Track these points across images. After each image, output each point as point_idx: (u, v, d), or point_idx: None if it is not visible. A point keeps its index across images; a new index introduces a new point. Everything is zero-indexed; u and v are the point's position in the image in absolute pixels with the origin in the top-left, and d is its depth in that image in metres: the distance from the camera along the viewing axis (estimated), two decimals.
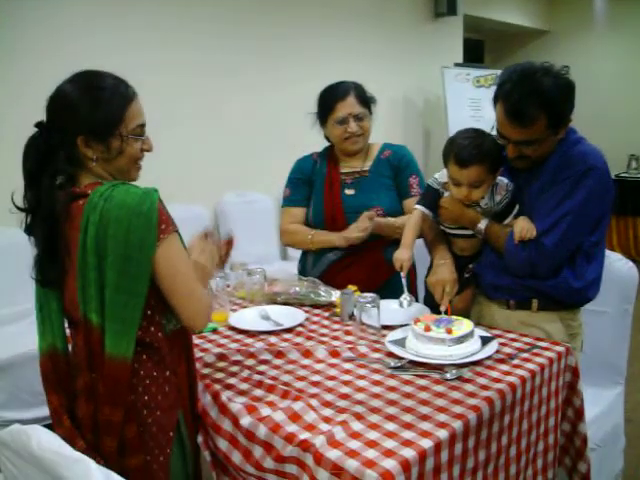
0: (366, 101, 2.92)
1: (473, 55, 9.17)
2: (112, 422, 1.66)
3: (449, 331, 2.07)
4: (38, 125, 1.73)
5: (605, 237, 2.40)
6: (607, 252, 2.48)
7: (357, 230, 2.78)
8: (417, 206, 2.55)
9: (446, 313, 2.30)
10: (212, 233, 1.98)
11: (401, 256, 2.43)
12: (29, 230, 1.74)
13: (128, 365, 1.65)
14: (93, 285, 1.63)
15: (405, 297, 2.42)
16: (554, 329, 2.36)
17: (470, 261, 2.52)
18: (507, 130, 2.25)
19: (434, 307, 2.44)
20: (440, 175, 2.52)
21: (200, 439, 1.90)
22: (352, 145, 2.92)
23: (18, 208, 1.71)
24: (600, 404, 2.80)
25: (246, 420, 1.77)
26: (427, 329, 2.10)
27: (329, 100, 2.90)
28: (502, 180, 2.42)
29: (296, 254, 3.23)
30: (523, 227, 2.25)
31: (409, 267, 2.44)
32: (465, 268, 2.51)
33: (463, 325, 2.13)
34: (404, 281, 2.41)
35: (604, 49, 8.96)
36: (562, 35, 9.51)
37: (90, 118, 1.68)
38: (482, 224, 2.40)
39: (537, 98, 2.15)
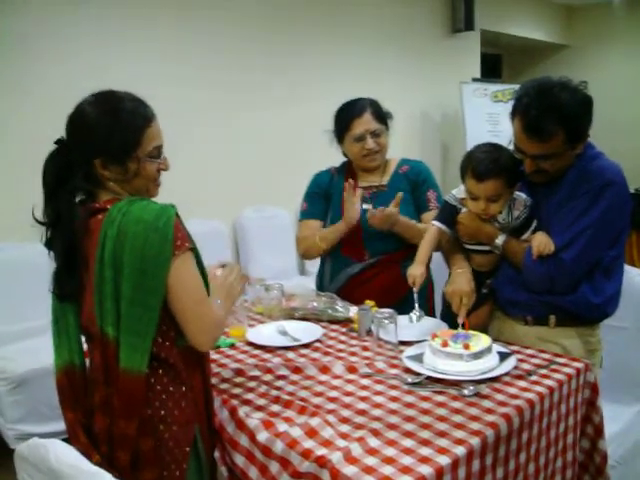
0: (382, 117, 2.93)
1: (491, 70, 9.18)
2: (127, 435, 1.67)
3: (466, 347, 2.07)
4: (58, 142, 1.76)
5: (624, 252, 2.39)
6: (626, 267, 2.46)
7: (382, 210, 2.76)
8: (434, 222, 2.55)
9: (463, 327, 2.29)
10: (229, 264, 2.00)
11: (414, 272, 2.43)
12: (49, 244, 1.76)
13: (142, 379, 1.66)
14: (109, 298, 1.65)
15: (415, 312, 2.41)
16: (572, 345, 2.35)
17: (488, 277, 2.52)
18: (525, 145, 2.25)
19: (452, 320, 2.42)
20: (457, 191, 2.52)
21: (217, 454, 1.91)
22: (370, 162, 2.94)
23: (38, 222, 1.74)
24: (620, 421, 2.77)
25: (263, 435, 1.78)
26: (444, 344, 2.10)
27: (345, 118, 2.92)
28: (520, 195, 2.41)
29: (314, 269, 3.24)
30: (541, 242, 2.25)
31: (422, 283, 2.44)
32: (483, 284, 2.50)
33: (481, 340, 2.13)
34: (415, 296, 2.41)
35: (623, 63, 8.93)
36: (581, 49, 9.50)
37: (108, 141, 1.70)
38: (500, 239, 2.40)
39: (555, 113, 2.15)
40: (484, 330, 2.41)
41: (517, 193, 2.41)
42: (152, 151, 1.77)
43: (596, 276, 2.28)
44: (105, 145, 1.70)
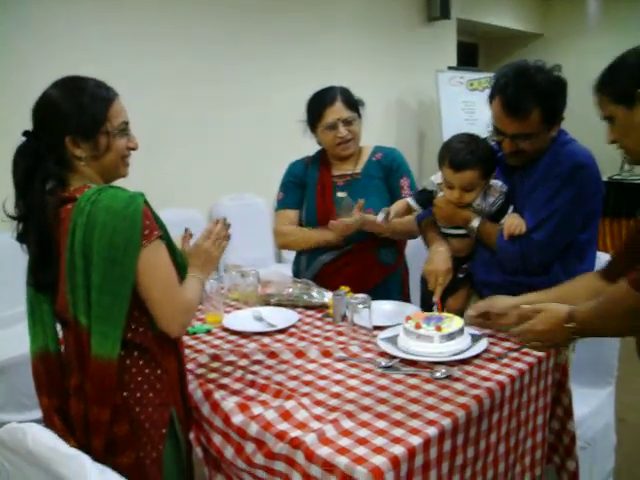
0: (354, 105, 2.95)
1: (467, 58, 9.19)
2: (100, 421, 1.69)
3: (438, 328, 2.11)
4: (25, 134, 1.78)
5: (597, 236, 2.45)
6: (598, 253, 2.51)
7: (346, 222, 2.79)
8: (408, 199, 2.62)
9: (438, 309, 2.33)
10: (208, 228, 2.04)
11: (439, 267, 2.47)
12: (21, 238, 1.79)
13: (114, 366, 1.68)
14: (81, 287, 1.67)
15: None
16: None
17: (464, 261, 2.56)
18: (503, 124, 2.31)
19: (431, 305, 2.45)
20: (435, 177, 2.58)
21: (192, 435, 1.93)
22: (344, 151, 2.96)
23: (10, 216, 1.76)
24: (591, 404, 2.82)
25: (238, 418, 1.80)
26: (417, 326, 2.14)
27: (317, 107, 2.94)
28: (496, 182, 2.46)
29: (290, 257, 3.26)
30: (512, 223, 2.31)
31: (445, 284, 2.46)
32: (459, 268, 2.55)
33: (453, 322, 2.16)
34: (435, 307, 2.41)
35: (597, 49, 8.88)
36: (555, 38, 9.54)
37: (76, 116, 1.73)
38: (475, 222, 2.45)
39: (531, 91, 2.23)
40: (461, 314, 2.44)
41: (492, 180, 2.45)
42: (120, 125, 1.81)
43: (568, 258, 2.34)
44: (74, 120, 1.73)
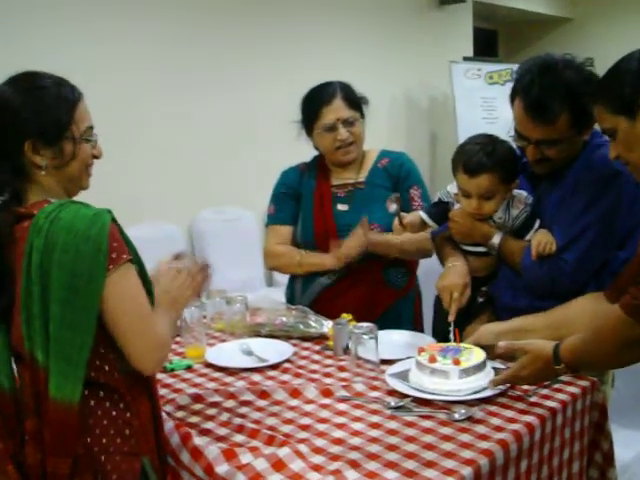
0: (356, 103, 2.95)
1: (485, 48, 9.25)
2: (59, 474, 1.67)
3: (457, 362, 2.10)
4: None
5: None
6: None
7: (349, 247, 2.80)
8: (420, 213, 2.60)
9: (455, 339, 2.32)
10: (185, 256, 2.01)
11: (455, 281, 2.46)
12: None
13: (75, 411, 1.67)
14: (38, 318, 1.65)
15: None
16: None
17: (484, 283, 2.56)
18: (527, 128, 2.30)
19: (445, 332, 2.43)
20: (451, 187, 2.58)
21: None
22: (344, 156, 2.95)
23: None
24: (634, 447, 2.82)
25: (222, 468, 1.78)
26: (432, 360, 2.13)
27: (313, 105, 2.94)
28: (520, 193, 2.46)
29: (284, 279, 3.26)
30: (541, 241, 2.30)
31: (461, 304, 2.45)
32: (478, 291, 2.54)
33: (473, 355, 2.16)
34: (451, 335, 2.38)
35: (632, 37, 9.00)
36: (586, 23, 9.59)
37: (37, 120, 1.73)
38: (496, 239, 2.44)
39: (559, 92, 2.21)
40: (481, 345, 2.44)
41: (516, 190, 2.45)
42: (86, 131, 1.81)
43: (604, 280, 2.31)
44: (34, 124, 1.72)
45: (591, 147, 2.35)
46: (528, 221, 2.44)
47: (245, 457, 1.80)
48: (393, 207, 2.55)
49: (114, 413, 1.77)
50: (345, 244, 2.82)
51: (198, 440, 1.91)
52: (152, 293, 1.83)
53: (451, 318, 2.38)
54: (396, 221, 2.55)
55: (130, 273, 1.73)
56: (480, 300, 2.54)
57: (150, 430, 1.85)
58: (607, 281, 2.31)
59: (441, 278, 2.51)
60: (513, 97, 2.33)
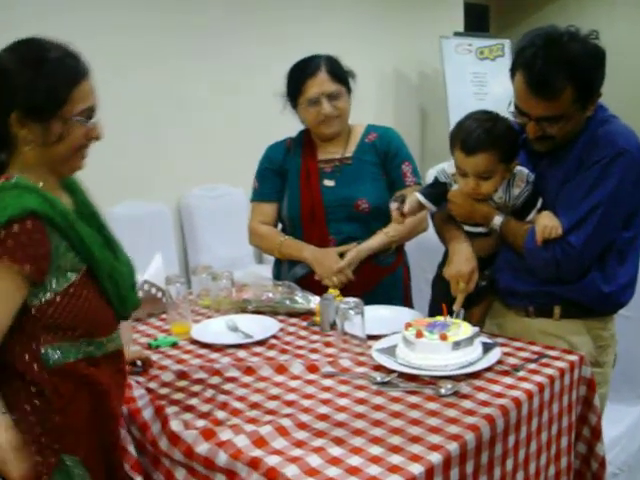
0: (341, 76, 2.92)
1: (476, 22, 9.21)
2: None
3: (444, 337, 2.09)
4: None
5: None
6: None
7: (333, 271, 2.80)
8: (417, 194, 2.55)
9: (451, 314, 2.29)
10: None
11: (457, 270, 2.43)
12: None
13: None
14: None
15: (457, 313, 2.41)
16: (580, 341, 2.35)
17: (486, 265, 2.50)
18: (528, 104, 2.24)
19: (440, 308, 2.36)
20: (449, 166, 2.51)
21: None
22: (327, 129, 2.92)
23: None
24: (623, 423, 2.83)
25: (203, 447, 1.78)
26: (419, 335, 2.12)
27: (298, 78, 2.91)
28: (521, 170, 2.41)
29: (272, 257, 3.23)
30: (546, 225, 2.24)
31: (468, 292, 2.44)
32: (481, 274, 2.48)
33: (461, 330, 2.15)
34: (461, 315, 2.38)
35: (634, 11, 8.94)
36: None
37: (28, 90, 1.66)
38: (497, 220, 2.39)
39: (564, 66, 2.14)
40: (481, 326, 2.42)
41: (517, 167, 2.41)
42: (83, 112, 1.74)
43: (608, 261, 2.29)
44: (25, 95, 1.66)
45: (595, 122, 2.29)
46: (530, 200, 2.38)
47: (225, 434, 1.80)
48: (395, 205, 2.52)
49: (27, 407, 1.73)
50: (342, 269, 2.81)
51: (175, 425, 1.89)
52: (110, 294, 1.81)
53: (457, 308, 2.36)
54: (396, 213, 2.51)
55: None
56: (482, 284, 2.49)
57: (84, 430, 1.80)
58: (610, 262, 2.28)
59: (449, 264, 2.45)
60: (514, 71, 2.26)
